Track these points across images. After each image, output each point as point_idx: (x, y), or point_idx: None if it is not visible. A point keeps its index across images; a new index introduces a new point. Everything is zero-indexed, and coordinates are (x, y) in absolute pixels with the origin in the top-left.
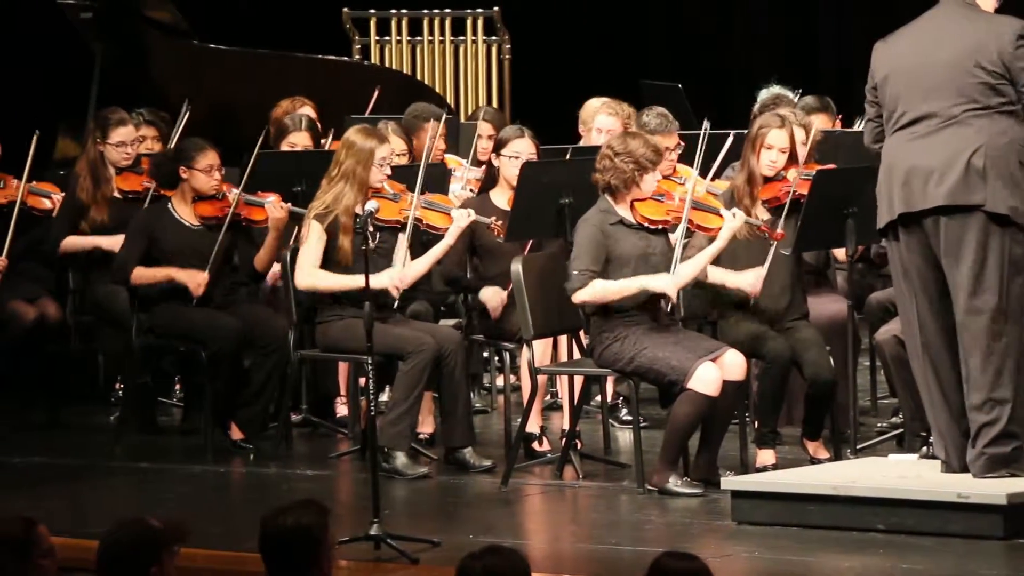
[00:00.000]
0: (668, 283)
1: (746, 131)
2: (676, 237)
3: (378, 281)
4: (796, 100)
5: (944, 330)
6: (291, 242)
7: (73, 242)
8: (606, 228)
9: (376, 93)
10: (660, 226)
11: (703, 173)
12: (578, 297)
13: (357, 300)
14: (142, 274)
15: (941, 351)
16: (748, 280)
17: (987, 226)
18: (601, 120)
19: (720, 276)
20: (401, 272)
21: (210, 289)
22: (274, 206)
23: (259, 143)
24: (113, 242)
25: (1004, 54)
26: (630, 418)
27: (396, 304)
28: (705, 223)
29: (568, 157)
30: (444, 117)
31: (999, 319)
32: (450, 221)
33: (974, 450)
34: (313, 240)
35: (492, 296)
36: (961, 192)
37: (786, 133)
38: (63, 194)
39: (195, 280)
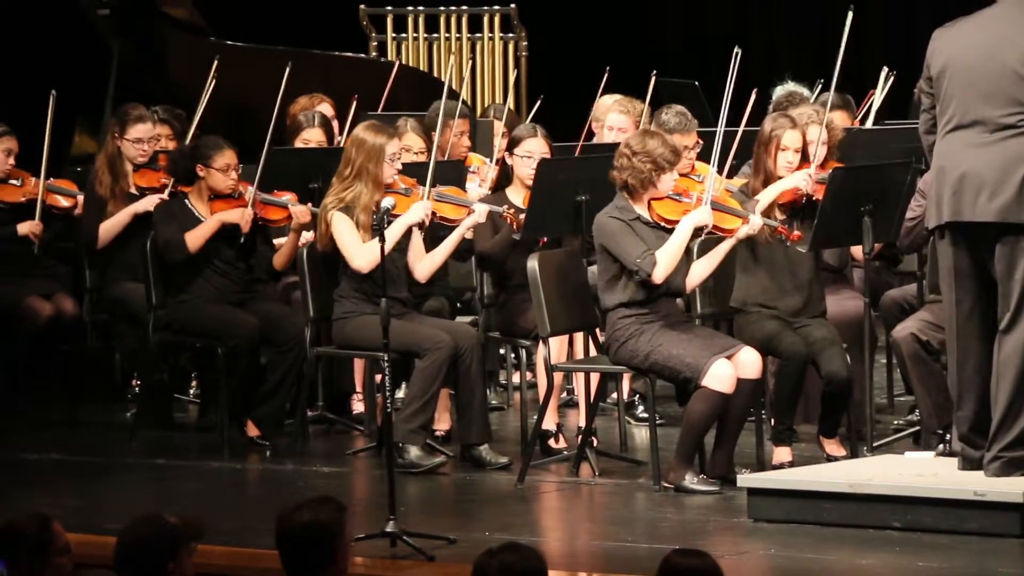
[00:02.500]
0: (704, 214)
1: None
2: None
3: (412, 215)
4: (811, 97)
5: (983, 331)
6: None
7: (109, 226)
8: (627, 222)
9: (391, 81)
10: (676, 226)
11: (720, 168)
12: (659, 275)
13: (374, 297)
14: (195, 236)
15: (976, 352)
16: (799, 178)
17: None
18: (612, 118)
19: (772, 191)
20: (428, 204)
21: (227, 285)
22: (299, 210)
23: (268, 139)
24: (146, 203)
25: None
26: (646, 415)
27: (424, 225)
28: (722, 223)
29: (578, 154)
30: (466, 114)
31: None
32: (462, 212)
33: (990, 453)
34: (347, 227)
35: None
36: (1013, 210)
37: (799, 133)
38: (79, 191)
39: (244, 217)
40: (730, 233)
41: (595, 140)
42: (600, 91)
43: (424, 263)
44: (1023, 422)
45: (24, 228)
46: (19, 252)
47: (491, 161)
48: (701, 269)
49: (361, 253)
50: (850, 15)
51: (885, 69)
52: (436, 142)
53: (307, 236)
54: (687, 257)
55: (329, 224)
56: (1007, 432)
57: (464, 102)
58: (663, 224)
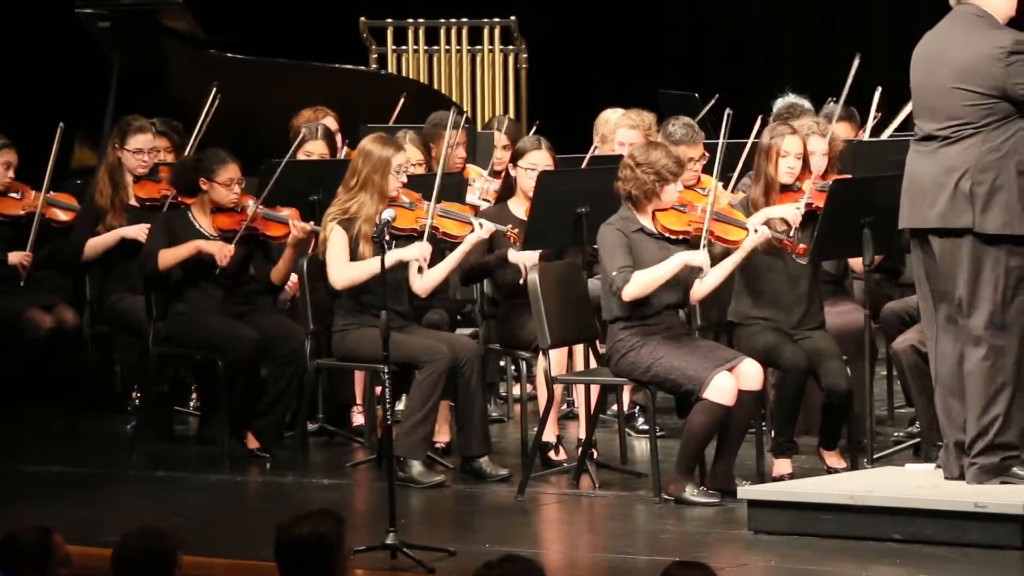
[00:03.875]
0: (702, 257)
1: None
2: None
3: (408, 252)
4: (812, 109)
5: (955, 336)
6: (308, 252)
7: (96, 242)
8: (629, 234)
9: (402, 101)
10: (680, 236)
11: (724, 182)
12: (628, 294)
13: (374, 309)
14: (168, 255)
15: (953, 358)
16: (790, 210)
17: (978, 247)
18: (623, 134)
19: (761, 215)
20: (427, 246)
21: (226, 298)
22: (297, 226)
23: (285, 158)
24: (137, 230)
25: (997, 76)
26: (646, 427)
27: (421, 269)
28: (727, 235)
29: (584, 166)
30: (463, 126)
31: (995, 340)
32: (465, 228)
33: (967, 458)
34: (338, 242)
35: (524, 258)
36: (950, 215)
37: (799, 139)
38: (79, 205)
39: (222, 251)
40: (735, 244)
41: (596, 153)
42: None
43: (424, 278)
44: (994, 429)
45: (15, 258)
46: (12, 274)
47: (487, 173)
48: (708, 282)
49: (341, 271)
50: (856, 60)
51: (879, 89)
52: (443, 156)
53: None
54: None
55: (326, 235)
56: (981, 440)
57: (464, 113)
58: (667, 235)
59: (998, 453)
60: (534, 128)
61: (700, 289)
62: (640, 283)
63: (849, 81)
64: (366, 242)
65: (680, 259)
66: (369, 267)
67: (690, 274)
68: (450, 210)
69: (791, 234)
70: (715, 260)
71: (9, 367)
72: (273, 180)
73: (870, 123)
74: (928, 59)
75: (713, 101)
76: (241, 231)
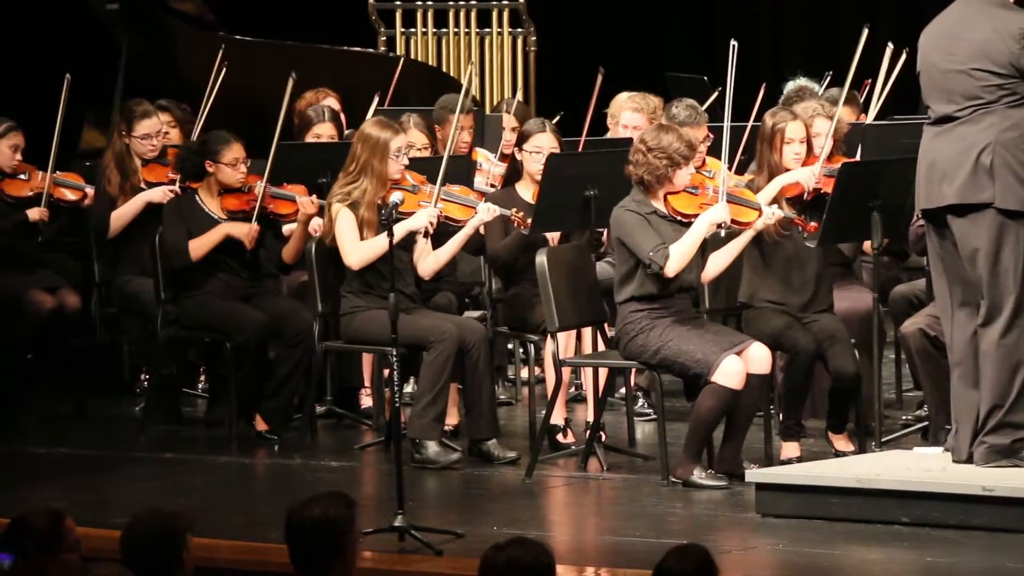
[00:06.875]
0: (721, 211)
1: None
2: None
3: (415, 221)
4: (820, 92)
5: (973, 321)
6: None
7: (122, 212)
8: (645, 216)
9: (395, 79)
10: (692, 220)
11: (730, 164)
12: (671, 268)
13: (382, 291)
14: (198, 245)
15: (969, 343)
16: (804, 174)
17: (999, 222)
18: (627, 116)
19: (774, 186)
20: (433, 211)
21: (234, 280)
22: (305, 202)
23: (277, 134)
24: (160, 193)
25: (1014, 54)
26: (646, 411)
27: (428, 233)
28: (738, 217)
29: (581, 149)
30: (471, 110)
31: (1015, 319)
32: (470, 213)
33: (977, 439)
34: (348, 223)
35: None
36: (969, 191)
37: (801, 123)
38: (86, 184)
39: (250, 234)
40: (747, 226)
41: (608, 135)
42: (594, 95)
43: (428, 261)
44: (1004, 407)
45: (35, 214)
46: (26, 245)
47: (495, 157)
48: (718, 262)
49: (355, 251)
50: (865, 31)
51: (890, 45)
52: (450, 140)
53: (315, 224)
54: (700, 251)
55: (333, 218)
56: (991, 418)
57: (473, 97)
58: (679, 218)
59: (1009, 433)
60: (556, 119)
61: (711, 268)
62: (679, 255)
63: (855, 60)
64: (368, 228)
65: (705, 219)
66: (382, 243)
67: (700, 256)
68: (453, 193)
69: (801, 212)
70: (725, 243)
71: (13, 347)
72: (271, 157)
73: (879, 84)
74: (942, 41)
75: (716, 93)
76: (254, 213)
